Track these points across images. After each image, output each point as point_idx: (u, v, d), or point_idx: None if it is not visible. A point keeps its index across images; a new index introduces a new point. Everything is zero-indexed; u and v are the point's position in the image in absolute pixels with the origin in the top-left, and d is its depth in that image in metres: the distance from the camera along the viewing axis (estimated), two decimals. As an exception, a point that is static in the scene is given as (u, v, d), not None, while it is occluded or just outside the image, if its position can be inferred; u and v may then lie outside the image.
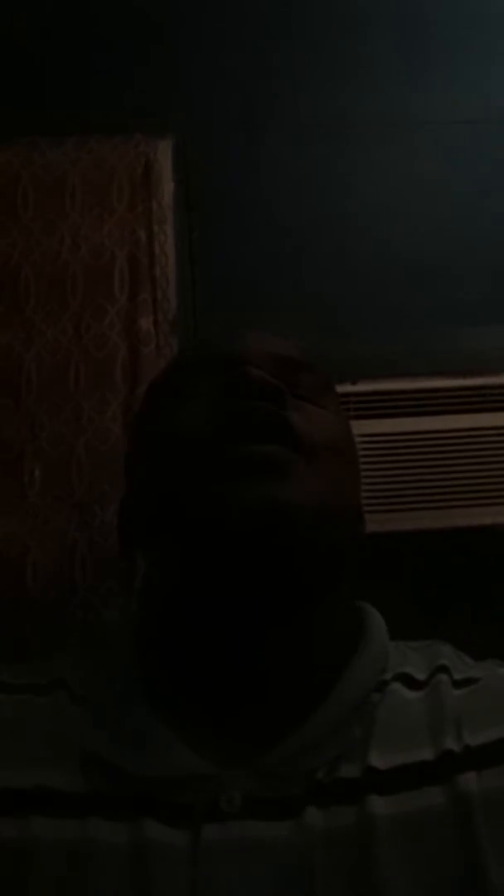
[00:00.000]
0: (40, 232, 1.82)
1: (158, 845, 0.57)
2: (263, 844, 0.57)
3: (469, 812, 0.58)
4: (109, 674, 0.67)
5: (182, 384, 0.70)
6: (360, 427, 1.66)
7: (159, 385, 0.75)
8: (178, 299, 1.83)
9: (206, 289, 1.85)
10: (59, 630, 1.62)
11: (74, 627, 1.63)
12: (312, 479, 0.63)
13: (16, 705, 0.66)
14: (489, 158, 1.91)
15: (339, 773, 0.60)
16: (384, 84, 1.93)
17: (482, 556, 1.74)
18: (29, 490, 1.72)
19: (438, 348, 1.82)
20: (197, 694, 0.64)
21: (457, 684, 0.66)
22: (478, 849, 0.56)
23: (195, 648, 0.65)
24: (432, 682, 0.66)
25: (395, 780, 0.59)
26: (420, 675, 0.67)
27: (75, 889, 0.56)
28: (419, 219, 1.89)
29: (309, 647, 0.65)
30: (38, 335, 1.78)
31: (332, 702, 0.63)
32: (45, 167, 1.84)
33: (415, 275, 1.86)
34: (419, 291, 1.85)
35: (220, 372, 0.67)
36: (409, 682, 0.66)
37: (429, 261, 1.86)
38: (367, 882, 0.56)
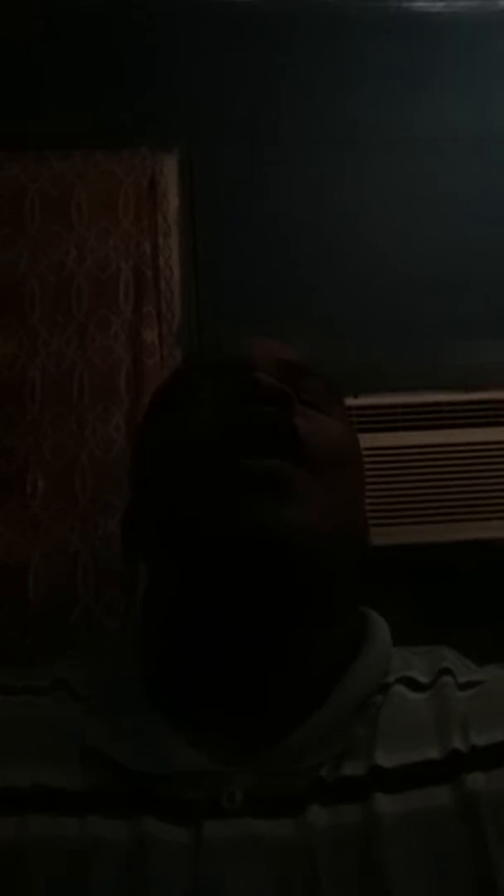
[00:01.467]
0: (46, 244, 1.83)
1: (159, 843, 0.57)
2: (265, 842, 0.56)
3: (476, 812, 0.57)
4: (111, 674, 0.67)
5: (188, 390, 0.70)
6: (361, 441, 1.65)
7: (165, 391, 0.74)
8: (182, 312, 1.85)
9: (210, 302, 1.86)
10: (60, 639, 1.62)
11: (76, 636, 1.63)
12: (318, 493, 0.63)
13: (16, 705, 0.66)
14: (491, 174, 1.93)
15: (344, 772, 0.60)
16: (388, 100, 1.95)
17: (481, 570, 1.74)
18: (32, 500, 1.72)
19: (440, 363, 1.83)
20: (199, 692, 0.64)
21: (461, 687, 0.66)
22: (485, 849, 0.56)
23: (197, 648, 0.65)
24: (436, 685, 0.66)
25: (401, 779, 0.59)
26: (423, 679, 0.67)
27: (75, 887, 0.56)
28: (421, 234, 1.90)
29: (311, 647, 0.65)
30: (43, 345, 1.79)
31: (333, 700, 0.63)
32: (52, 180, 1.86)
33: (417, 289, 1.87)
34: (421, 306, 1.86)
35: (226, 377, 0.67)
36: (413, 684, 0.66)
37: (431, 275, 1.87)
38: (373, 881, 0.55)
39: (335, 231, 1.91)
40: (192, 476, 0.63)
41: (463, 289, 1.87)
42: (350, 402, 1.74)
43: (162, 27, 1.95)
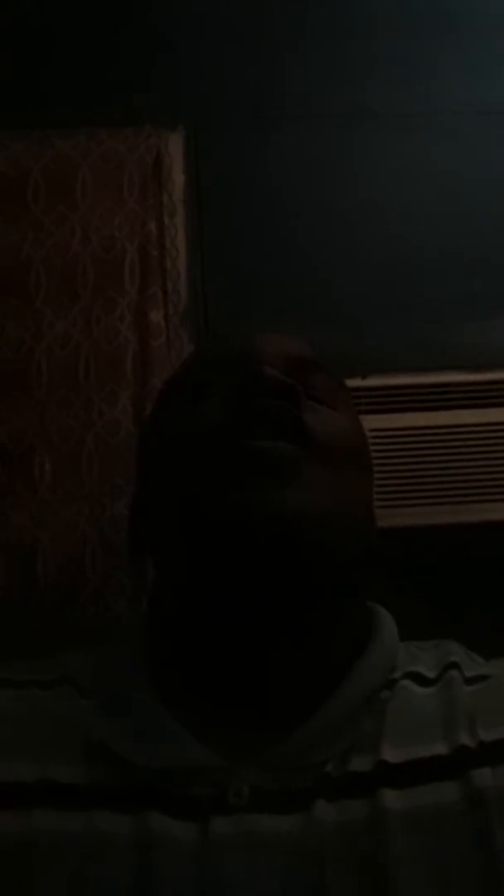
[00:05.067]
0: (51, 224, 1.82)
1: (164, 838, 0.57)
2: (272, 838, 0.56)
3: (484, 808, 0.57)
4: (117, 668, 0.67)
5: (196, 383, 0.70)
6: (369, 422, 1.65)
7: (173, 383, 0.74)
8: (188, 292, 1.83)
9: (216, 282, 1.85)
10: (69, 623, 1.63)
11: (84, 620, 1.63)
12: (324, 479, 0.62)
13: (21, 700, 0.66)
14: (500, 151, 1.91)
15: (350, 767, 0.60)
16: (396, 76, 1.92)
17: (491, 552, 1.74)
18: (39, 483, 1.73)
19: (448, 343, 1.82)
20: (206, 686, 0.64)
21: (468, 681, 0.66)
22: (492, 845, 0.56)
23: (204, 642, 0.65)
24: (443, 679, 0.66)
25: (408, 775, 0.59)
26: (430, 673, 0.66)
27: (80, 881, 0.56)
28: (431, 212, 1.89)
29: (318, 642, 0.65)
30: (49, 328, 1.78)
31: (340, 696, 0.62)
32: (56, 160, 1.84)
33: (426, 269, 1.86)
34: (430, 285, 1.85)
35: (234, 371, 0.66)
36: (420, 679, 0.66)
37: (440, 254, 1.86)
38: (379, 876, 0.55)
39: (342, 210, 1.89)
40: (198, 463, 0.63)
41: (471, 268, 1.85)
42: (358, 383, 1.73)
43: (166, 3, 1.93)
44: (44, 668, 0.69)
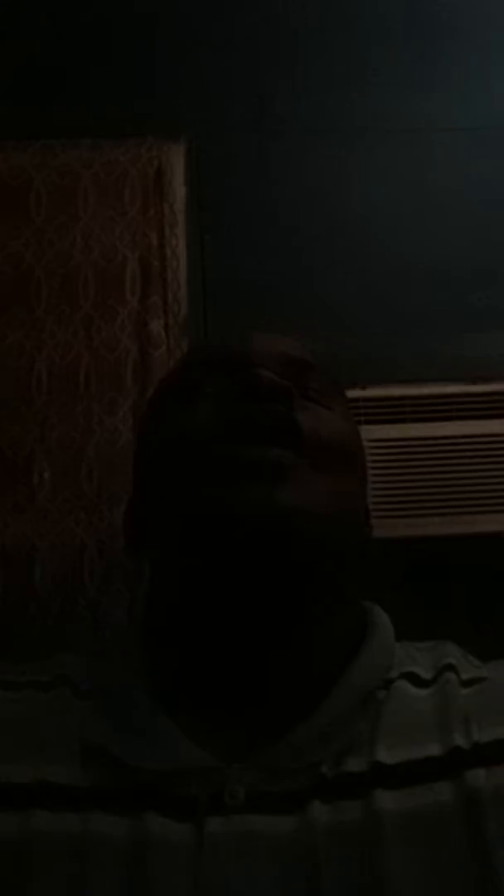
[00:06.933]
0: (53, 234, 1.83)
1: (160, 839, 0.57)
2: (267, 838, 0.56)
3: (477, 808, 0.57)
4: (114, 670, 0.67)
5: (191, 384, 0.70)
6: (368, 432, 1.66)
7: (168, 384, 0.74)
8: (188, 302, 1.84)
9: (217, 292, 1.86)
10: (66, 630, 1.63)
11: (82, 628, 1.63)
12: (317, 481, 0.62)
13: (18, 701, 0.66)
14: (499, 164, 1.92)
15: (345, 768, 0.60)
16: (395, 90, 1.94)
17: (489, 562, 1.74)
18: (38, 491, 1.73)
19: (447, 354, 1.82)
20: (201, 688, 0.64)
21: (464, 683, 0.66)
22: (486, 846, 0.56)
23: (199, 644, 0.65)
24: (439, 681, 0.66)
25: (402, 775, 0.59)
26: (426, 674, 0.66)
27: (76, 883, 0.56)
28: (429, 224, 1.90)
29: (313, 642, 0.65)
30: (49, 336, 1.79)
31: (335, 696, 0.62)
32: (58, 170, 1.85)
33: (424, 280, 1.86)
34: (429, 297, 1.85)
35: (228, 372, 0.66)
36: (416, 680, 0.66)
37: (438, 266, 1.87)
38: (374, 877, 0.55)
39: (342, 221, 1.90)
40: (190, 468, 0.63)
41: (471, 280, 1.86)
42: (357, 393, 1.73)
43: (168, 15, 1.94)
44: (41, 670, 0.69)
